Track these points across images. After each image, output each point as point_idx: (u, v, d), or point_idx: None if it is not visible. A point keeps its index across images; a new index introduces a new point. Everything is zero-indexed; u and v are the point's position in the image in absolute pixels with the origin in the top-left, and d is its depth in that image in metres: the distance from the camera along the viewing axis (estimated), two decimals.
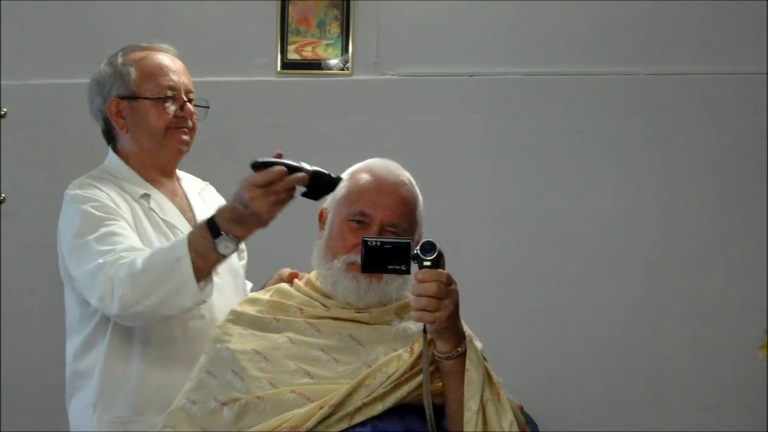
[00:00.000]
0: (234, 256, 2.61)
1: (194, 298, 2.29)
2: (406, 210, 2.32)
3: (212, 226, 2.23)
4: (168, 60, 2.64)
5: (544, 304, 4.06)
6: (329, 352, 2.22)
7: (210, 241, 2.23)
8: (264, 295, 2.40)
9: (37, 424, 4.02)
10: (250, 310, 2.35)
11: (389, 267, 2.08)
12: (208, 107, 2.68)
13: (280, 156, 2.17)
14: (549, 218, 4.08)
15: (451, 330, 2.10)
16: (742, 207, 4.03)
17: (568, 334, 4.05)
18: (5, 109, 4.05)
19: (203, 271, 2.28)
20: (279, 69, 4.15)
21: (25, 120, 4.12)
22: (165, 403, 2.31)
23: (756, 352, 3.72)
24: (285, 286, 2.42)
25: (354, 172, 2.37)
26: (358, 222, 2.29)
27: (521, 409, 2.23)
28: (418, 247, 2.07)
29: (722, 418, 3.87)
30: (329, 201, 2.38)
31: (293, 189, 2.17)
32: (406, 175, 2.37)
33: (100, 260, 2.35)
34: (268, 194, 2.15)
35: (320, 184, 2.20)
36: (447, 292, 2.06)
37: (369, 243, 2.09)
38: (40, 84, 4.14)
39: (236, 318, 2.35)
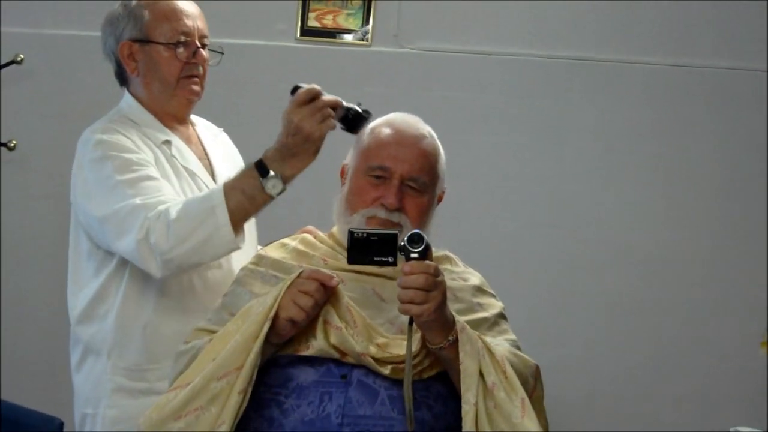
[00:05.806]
0: None
1: (229, 245, 2.29)
2: (427, 163, 2.29)
3: (260, 167, 2.24)
4: (183, 3, 2.59)
5: (548, 288, 4.05)
6: None
7: (258, 180, 2.24)
8: (291, 242, 2.39)
9: (37, 380, 4.02)
10: (275, 254, 2.34)
11: (375, 259, 2.02)
12: (222, 53, 2.63)
13: None
14: (560, 202, 4.07)
15: (439, 321, 2.05)
16: (746, 203, 4.02)
17: (570, 321, 4.05)
18: (22, 56, 4.02)
19: (248, 213, 2.29)
20: (298, 35, 4.13)
21: (41, 69, 4.10)
22: None
23: (757, 348, 3.72)
24: (309, 237, 2.40)
25: (374, 127, 2.34)
26: (378, 177, 2.25)
27: (537, 369, 2.21)
28: (405, 239, 2.01)
29: (722, 413, 3.85)
30: (350, 156, 2.36)
31: (335, 108, 2.22)
32: (427, 129, 2.34)
33: (137, 200, 2.33)
34: (313, 112, 2.19)
35: (350, 117, 2.27)
36: (435, 284, 1.99)
37: (355, 234, 2.02)
38: (58, 34, 4.11)
39: (259, 261, 2.33)
